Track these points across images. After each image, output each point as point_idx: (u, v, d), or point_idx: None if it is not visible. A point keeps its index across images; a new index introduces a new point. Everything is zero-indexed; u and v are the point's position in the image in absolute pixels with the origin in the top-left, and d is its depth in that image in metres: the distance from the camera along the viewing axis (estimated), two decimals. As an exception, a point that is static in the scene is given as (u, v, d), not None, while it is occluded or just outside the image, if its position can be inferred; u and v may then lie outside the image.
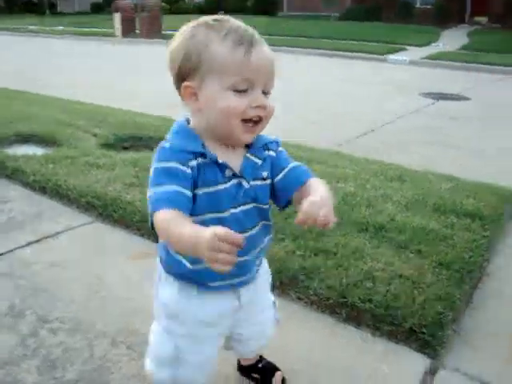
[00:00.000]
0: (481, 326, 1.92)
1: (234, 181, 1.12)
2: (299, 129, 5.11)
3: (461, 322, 1.93)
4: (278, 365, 1.56)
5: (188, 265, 1.14)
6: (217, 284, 1.19)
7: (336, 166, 3.41)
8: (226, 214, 1.12)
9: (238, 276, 1.20)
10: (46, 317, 1.86)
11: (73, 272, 2.17)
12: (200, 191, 1.10)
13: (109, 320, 1.84)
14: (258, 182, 1.16)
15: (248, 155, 1.15)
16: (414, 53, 13.00)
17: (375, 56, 12.29)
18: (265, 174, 1.17)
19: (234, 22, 1.09)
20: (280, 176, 1.18)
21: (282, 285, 2.03)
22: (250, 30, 1.09)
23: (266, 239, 1.24)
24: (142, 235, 2.48)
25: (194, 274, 1.16)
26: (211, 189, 1.10)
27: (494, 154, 4.59)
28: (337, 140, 4.84)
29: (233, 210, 1.13)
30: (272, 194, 1.20)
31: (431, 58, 12.00)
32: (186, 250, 1.00)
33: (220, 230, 0.88)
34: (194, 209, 1.09)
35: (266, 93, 1.09)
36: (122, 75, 8.65)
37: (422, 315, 1.78)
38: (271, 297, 1.42)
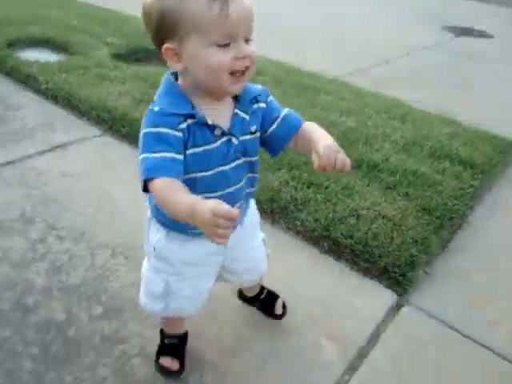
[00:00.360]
0: (452, 271, 2.08)
1: (224, 138, 1.13)
2: (312, 55, 5.07)
3: (434, 265, 2.09)
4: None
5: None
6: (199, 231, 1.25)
7: (342, 99, 3.47)
8: (213, 172, 1.15)
9: None
10: (54, 224, 2.03)
11: (82, 184, 2.32)
12: (189, 151, 1.10)
13: (112, 233, 2.01)
14: (247, 137, 1.18)
15: (237, 111, 1.16)
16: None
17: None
18: (253, 128, 1.19)
19: None
20: (274, 126, 1.21)
21: (273, 213, 2.18)
22: None
23: (252, 191, 1.29)
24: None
25: (178, 224, 1.14)
26: (200, 148, 1.11)
27: (505, 101, 4.52)
28: (349, 69, 4.79)
29: (221, 168, 1.15)
30: (265, 143, 1.23)
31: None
32: (184, 220, 0.99)
33: (217, 207, 0.88)
34: (186, 168, 1.10)
35: (247, 40, 1.07)
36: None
37: (397, 256, 1.93)
38: (260, 235, 1.48)
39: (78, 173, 2.39)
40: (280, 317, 1.68)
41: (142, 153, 1.06)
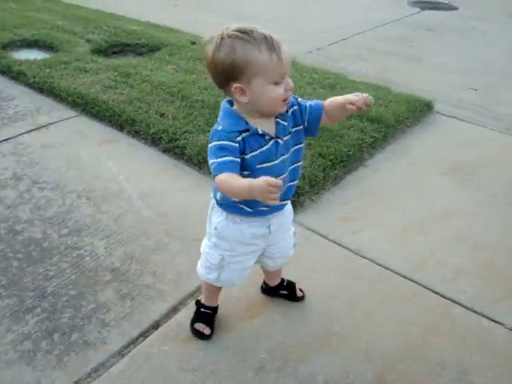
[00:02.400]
0: (335, 199, 2.75)
1: (272, 141, 1.51)
2: (287, 36, 5.66)
3: (322, 195, 2.77)
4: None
5: (238, 204, 1.58)
6: (252, 210, 1.62)
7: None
8: (269, 165, 1.52)
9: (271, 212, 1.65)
10: (36, 180, 2.76)
11: (58, 151, 3.05)
12: (248, 155, 1.47)
13: (78, 183, 2.74)
14: (287, 137, 1.56)
15: (278, 120, 1.53)
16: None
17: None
18: (291, 129, 1.57)
19: (258, 31, 1.40)
20: (306, 117, 1.58)
21: (200, 163, 2.87)
22: (271, 35, 1.41)
23: (298, 172, 1.68)
24: (111, 126, 3.32)
25: (236, 208, 1.61)
26: (257, 151, 1.49)
27: (450, 68, 5.00)
28: (309, 47, 5.33)
29: (272, 162, 1.53)
30: (306, 131, 1.61)
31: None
32: (243, 195, 1.40)
33: (268, 178, 1.25)
34: (248, 166, 1.48)
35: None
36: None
37: (286, 187, 2.62)
38: (292, 228, 1.88)
39: (56, 144, 3.12)
40: (301, 298, 2.09)
41: (211, 159, 1.44)
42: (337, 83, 4.03)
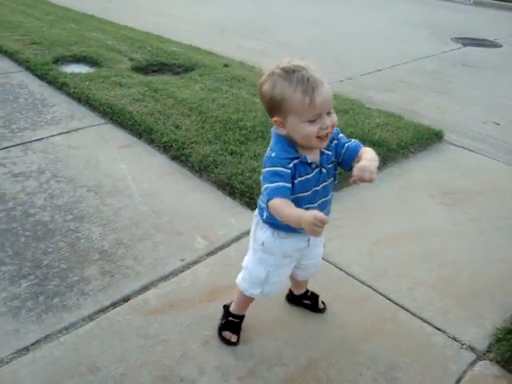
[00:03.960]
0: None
1: (317, 169, 1.62)
2: (322, 64, 5.98)
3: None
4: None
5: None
6: (293, 231, 1.70)
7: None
8: (309, 193, 1.64)
9: None
10: (56, 174, 3.17)
11: (81, 152, 3.46)
12: (296, 180, 1.57)
13: (90, 179, 3.12)
14: (330, 166, 1.67)
15: (323, 150, 1.63)
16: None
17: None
18: (333, 159, 1.68)
19: (301, 71, 1.48)
20: (343, 151, 1.67)
21: (200, 170, 3.19)
22: (312, 77, 1.47)
23: (331, 202, 1.80)
24: (132, 134, 3.71)
25: (284, 225, 1.64)
26: (303, 178, 1.59)
27: (476, 102, 5.10)
28: (341, 77, 5.59)
29: (315, 188, 1.65)
30: (340, 165, 1.71)
31: (498, -2, 11.81)
32: (291, 223, 1.48)
33: (318, 213, 1.36)
34: (293, 192, 1.57)
35: (329, 113, 1.52)
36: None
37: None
38: (323, 240, 2.00)
39: (81, 146, 3.54)
40: (322, 310, 2.21)
41: (265, 184, 1.55)
42: (351, 109, 4.26)
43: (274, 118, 1.56)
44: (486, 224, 3.00)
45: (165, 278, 2.36)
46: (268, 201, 1.52)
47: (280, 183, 1.53)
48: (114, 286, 2.29)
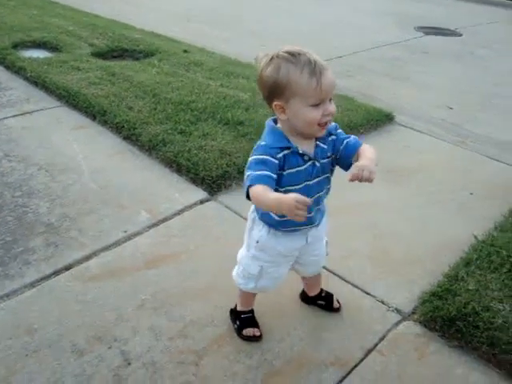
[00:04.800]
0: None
1: (310, 162, 1.59)
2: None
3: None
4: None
5: (276, 217, 1.66)
6: (292, 228, 1.73)
7: (255, 81, 4.50)
8: (300, 186, 1.60)
9: (307, 225, 1.72)
10: (8, 154, 3.24)
11: (34, 133, 3.52)
12: (286, 172, 1.54)
13: (42, 158, 3.20)
14: (325, 160, 1.64)
15: (318, 143, 1.60)
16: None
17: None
18: (329, 153, 1.64)
19: (306, 55, 1.47)
20: (341, 148, 1.64)
21: (150, 148, 3.29)
22: (318, 60, 1.47)
23: (325, 198, 1.78)
24: (86, 116, 3.79)
25: (279, 223, 1.69)
26: (294, 170, 1.56)
27: (433, 88, 5.27)
28: None
29: (307, 182, 1.61)
30: (338, 163, 1.68)
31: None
32: (272, 209, 1.49)
33: (298, 196, 1.32)
34: (281, 184, 1.55)
35: (330, 99, 1.50)
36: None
37: (213, 171, 3.00)
38: (325, 238, 1.95)
39: (34, 127, 3.60)
40: (338, 310, 2.18)
41: (248, 171, 1.51)
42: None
43: (275, 102, 1.52)
44: (425, 199, 3.15)
45: (107, 248, 2.46)
46: (249, 187, 1.48)
47: (264, 172, 1.50)
48: (57, 256, 2.39)
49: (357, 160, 1.59)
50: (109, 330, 2.03)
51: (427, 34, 7.96)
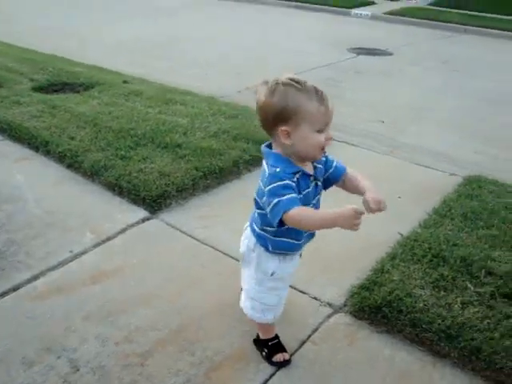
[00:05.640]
0: (202, 203, 3.29)
1: (313, 183, 1.69)
2: (213, 78, 6.33)
3: (189, 200, 3.31)
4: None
5: (296, 242, 1.76)
6: (299, 249, 1.86)
7: (192, 107, 4.74)
8: (310, 206, 1.69)
9: (307, 242, 1.87)
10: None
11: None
12: (301, 195, 1.61)
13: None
14: (321, 180, 1.74)
15: (315, 164, 1.70)
16: (382, 7, 13.60)
17: (339, 9, 13.05)
18: (323, 173, 1.75)
19: (308, 83, 1.56)
20: (330, 171, 1.76)
21: (92, 173, 3.44)
22: (320, 89, 1.56)
23: None
24: (29, 148, 3.90)
25: (295, 246, 1.79)
26: (305, 191, 1.64)
27: (365, 104, 5.68)
28: (241, 87, 5.96)
29: (313, 201, 1.71)
30: (323, 182, 1.77)
31: (392, 13, 12.68)
32: (324, 226, 1.55)
33: (354, 206, 1.42)
34: None
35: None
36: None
37: (154, 191, 3.17)
38: None
39: (-23, 161, 3.70)
40: None
41: (275, 198, 1.54)
42: (240, 114, 4.63)
43: (282, 128, 1.56)
44: (354, 203, 3.39)
45: (53, 268, 2.59)
46: (285, 213, 1.51)
47: (293, 195, 1.54)
48: (4, 279, 2.50)
49: (343, 185, 1.77)
50: (57, 341, 2.16)
51: (359, 54, 8.49)
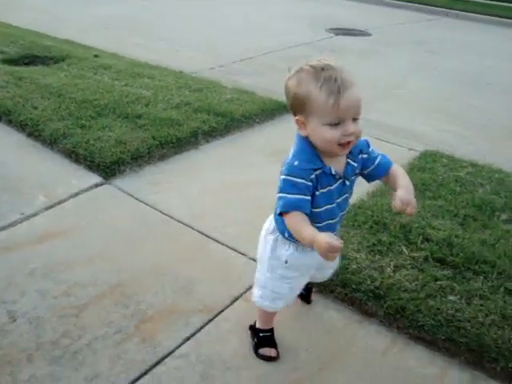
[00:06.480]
0: (157, 171, 3.39)
1: (340, 181, 1.55)
2: (188, 55, 6.36)
3: (144, 168, 3.40)
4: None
5: None
6: None
7: (160, 80, 4.80)
8: (334, 205, 1.59)
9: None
10: None
11: None
12: (318, 192, 1.51)
13: None
14: (353, 177, 1.62)
15: (349, 160, 1.56)
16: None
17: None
18: (357, 170, 1.62)
19: (329, 70, 1.41)
20: (371, 168, 1.63)
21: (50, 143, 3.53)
22: (342, 78, 1.40)
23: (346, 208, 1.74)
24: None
25: None
26: (326, 189, 1.53)
27: None
28: (213, 65, 6.04)
29: (337, 200, 1.60)
30: (364, 177, 1.68)
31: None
32: (305, 244, 1.45)
33: (331, 242, 1.29)
34: (315, 203, 1.52)
35: (355, 119, 1.42)
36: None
37: (108, 157, 3.26)
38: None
39: None
40: (310, 302, 2.29)
41: (282, 192, 1.49)
42: (205, 88, 4.71)
43: (296, 117, 1.49)
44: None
45: (2, 228, 2.68)
46: (283, 212, 1.49)
47: (298, 196, 1.48)
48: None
49: (387, 180, 1.64)
50: (-2, 294, 2.25)
51: (337, 34, 8.54)
